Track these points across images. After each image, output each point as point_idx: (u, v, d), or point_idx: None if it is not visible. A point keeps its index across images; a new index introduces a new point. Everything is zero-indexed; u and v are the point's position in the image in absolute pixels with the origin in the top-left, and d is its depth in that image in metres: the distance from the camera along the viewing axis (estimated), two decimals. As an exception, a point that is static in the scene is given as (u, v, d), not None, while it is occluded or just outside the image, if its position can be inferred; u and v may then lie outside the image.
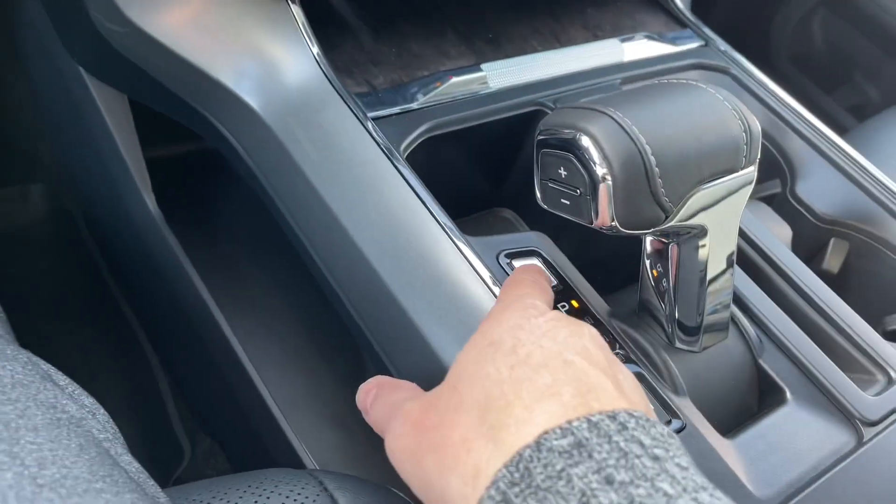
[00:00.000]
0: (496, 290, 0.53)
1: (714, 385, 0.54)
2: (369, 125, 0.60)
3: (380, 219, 0.56)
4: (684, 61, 0.79)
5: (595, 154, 0.41)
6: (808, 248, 0.72)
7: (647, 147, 0.41)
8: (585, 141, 0.41)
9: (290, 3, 0.62)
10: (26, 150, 0.99)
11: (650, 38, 0.80)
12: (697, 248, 0.47)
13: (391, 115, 0.62)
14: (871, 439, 0.53)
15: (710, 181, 0.44)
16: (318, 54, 0.62)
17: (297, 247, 0.62)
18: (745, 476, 0.49)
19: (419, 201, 0.56)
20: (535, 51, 0.74)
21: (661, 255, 0.49)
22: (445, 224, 0.55)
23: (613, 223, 0.42)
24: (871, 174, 0.73)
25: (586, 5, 0.82)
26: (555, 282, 0.55)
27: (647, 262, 0.50)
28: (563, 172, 0.43)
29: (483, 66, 0.69)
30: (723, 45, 0.82)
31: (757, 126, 0.46)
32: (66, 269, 1.05)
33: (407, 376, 0.53)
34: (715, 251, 0.47)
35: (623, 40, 0.78)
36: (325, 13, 0.70)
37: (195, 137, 0.68)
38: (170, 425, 0.95)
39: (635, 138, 0.41)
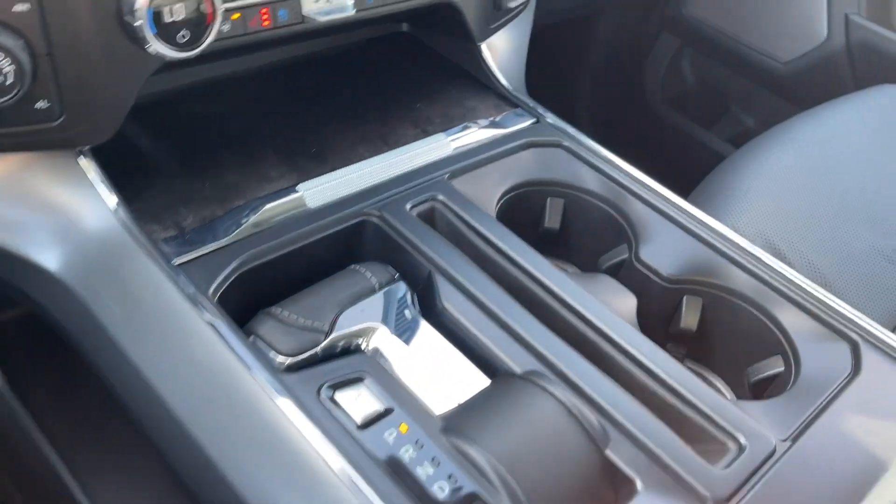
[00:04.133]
0: (314, 428, 0.50)
1: (561, 489, 0.52)
2: (174, 273, 0.57)
3: (187, 373, 0.53)
4: (517, 141, 0.79)
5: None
6: (663, 309, 0.71)
7: (280, 308, 0.58)
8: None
9: (79, 157, 0.60)
10: None
11: (481, 125, 0.80)
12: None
13: (199, 257, 0.60)
14: (724, 519, 0.51)
15: (349, 306, 0.60)
16: (115, 206, 0.60)
17: (123, 405, 0.58)
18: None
19: (227, 348, 0.53)
20: (361, 158, 0.73)
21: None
22: (255, 369, 0.52)
23: (284, 358, 0.56)
24: (712, 228, 0.73)
25: (415, 101, 0.82)
26: (383, 407, 0.53)
27: None
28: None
29: (299, 186, 0.67)
30: (552, 119, 0.82)
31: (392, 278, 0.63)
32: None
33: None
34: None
35: (452, 132, 0.78)
36: (128, 159, 0.68)
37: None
38: None
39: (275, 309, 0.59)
